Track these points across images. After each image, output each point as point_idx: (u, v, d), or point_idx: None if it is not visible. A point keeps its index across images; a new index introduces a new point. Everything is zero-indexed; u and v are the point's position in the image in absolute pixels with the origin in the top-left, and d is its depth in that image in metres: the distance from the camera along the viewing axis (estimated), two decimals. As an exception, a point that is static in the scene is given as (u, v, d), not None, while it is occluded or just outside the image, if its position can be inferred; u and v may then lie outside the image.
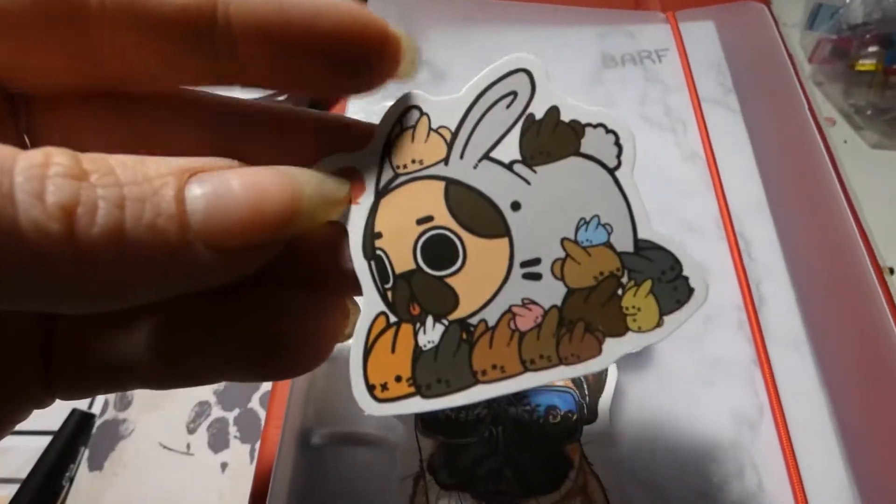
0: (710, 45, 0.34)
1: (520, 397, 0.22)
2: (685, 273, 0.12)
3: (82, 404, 0.35)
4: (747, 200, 0.28)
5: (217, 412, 0.31)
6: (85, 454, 0.31)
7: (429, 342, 0.12)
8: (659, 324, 0.12)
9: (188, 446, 0.31)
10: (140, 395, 0.33)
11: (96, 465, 0.31)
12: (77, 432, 0.33)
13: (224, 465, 0.30)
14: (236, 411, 0.31)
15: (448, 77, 0.33)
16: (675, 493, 0.21)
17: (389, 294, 0.12)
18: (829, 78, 0.43)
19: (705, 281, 0.12)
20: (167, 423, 0.31)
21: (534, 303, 0.12)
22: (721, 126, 0.30)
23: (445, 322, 0.12)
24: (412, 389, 0.12)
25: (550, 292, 0.12)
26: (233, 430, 0.31)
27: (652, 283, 0.12)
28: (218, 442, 0.31)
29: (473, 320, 0.12)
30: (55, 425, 0.33)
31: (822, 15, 0.45)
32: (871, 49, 0.41)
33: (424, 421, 0.22)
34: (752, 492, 0.21)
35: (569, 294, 0.12)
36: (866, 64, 0.41)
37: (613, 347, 0.12)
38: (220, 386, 0.32)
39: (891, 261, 0.35)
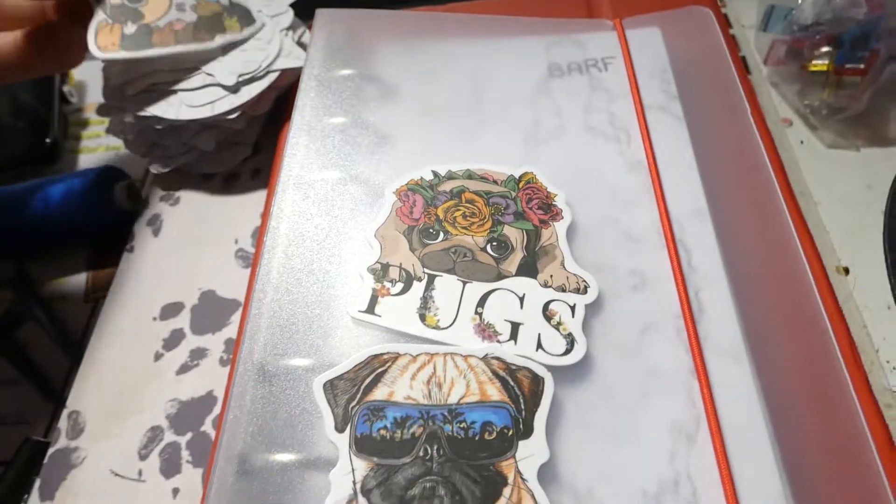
0: (656, 52, 0.34)
1: (455, 414, 0.22)
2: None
3: (34, 429, 0.35)
4: (688, 208, 0.28)
5: (170, 437, 0.31)
6: (37, 483, 0.31)
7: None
8: None
9: (140, 473, 0.30)
10: (92, 423, 0.32)
11: (48, 494, 0.30)
12: (30, 462, 0.32)
13: (176, 491, 0.30)
14: (189, 435, 0.31)
15: (398, 93, 0.33)
16: (610, 507, 0.21)
17: None
18: (785, 79, 0.43)
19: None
20: (119, 450, 0.31)
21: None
22: (664, 133, 0.30)
23: None
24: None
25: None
26: (185, 454, 0.31)
27: None
28: (170, 467, 0.30)
29: None
30: (7, 455, 0.33)
31: (775, 16, 0.45)
32: (823, 49, 0.41)
33: (359, 441, 0.22)
34: (687, 502, 0.21)
35: None
36: (819, 64, 0.41)
37: None
38: (173, 410, 0.32)
39: (847, 260, 0.35)
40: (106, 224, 0.42)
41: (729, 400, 0.23)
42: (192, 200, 0.42)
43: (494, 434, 0.22)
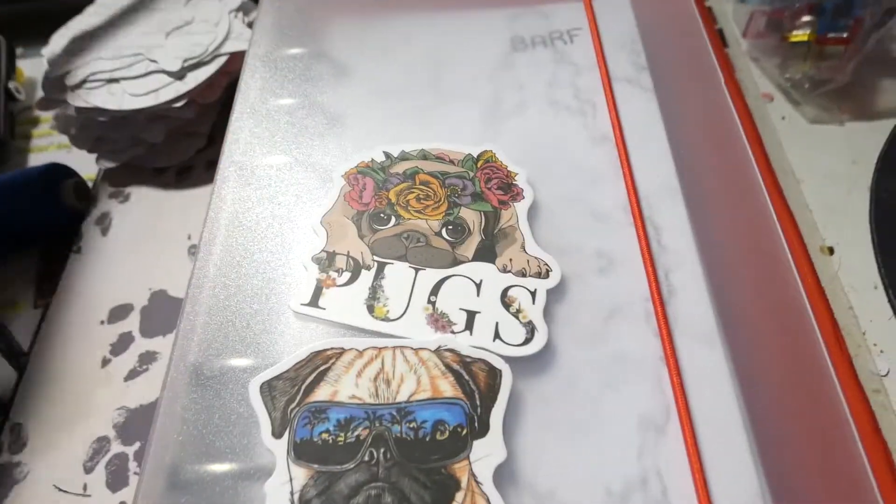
0: (625, 22, 0.32)
1: (405, 413, 0.20)
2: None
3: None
4: (658, 185, 0.26)
5: (116, 447, 0.29)
6: (-24, 500, 0.29)
7: None
8: None
9: (85, 487, 0.28)
10: (35, 435, 0.30)
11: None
12: (-30, 477, 0.30)
13: (122, 504, 0.28)
14: (136, 445, 0.29)
15: (350, 72, 0.31)
16: (574, 509, 0.19)
17: None
18: (765, 52, 0.41)
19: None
20: (63, 464, 0.29)
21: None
22: (633, 106, 0.29)
23: None
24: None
25: None
26: (133, 465, 0.29)
27: None
28: (117, 480, 0.28)
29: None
30: (-57, 472, 0.30)
31: (753, -14, 0.43)
32: (804, 19, 0.39)
33: (298, 447, 0.20)
34: (655, 500, 0.19)
35: None
36: (800, 35, 0.39)
37: None
38: (121, 419, 0.30)
39: (831, 239, 0.34)
40: (53, 224, 0.40)
41: (701, 388, 0.21)
42: (143, 196, 0.39)
43: (447, 433, 0.20)
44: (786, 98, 0.41)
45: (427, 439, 0.20)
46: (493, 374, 0.21)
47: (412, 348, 0.22)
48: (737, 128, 0.27)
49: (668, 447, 0.20)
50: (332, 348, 0.22)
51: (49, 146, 0.48)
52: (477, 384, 0.21)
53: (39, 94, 0.51)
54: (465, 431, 0.20)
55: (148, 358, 0.32)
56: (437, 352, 0.21)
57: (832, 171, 0.37)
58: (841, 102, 0.39)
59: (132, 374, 0.32)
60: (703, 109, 0.29)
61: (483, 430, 0.20)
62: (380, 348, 0.22)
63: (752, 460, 0.20)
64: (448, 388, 0.21)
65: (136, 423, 0.30)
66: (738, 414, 0.20)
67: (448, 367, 0.21)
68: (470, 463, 0.20)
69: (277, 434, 0.20)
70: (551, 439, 0.21)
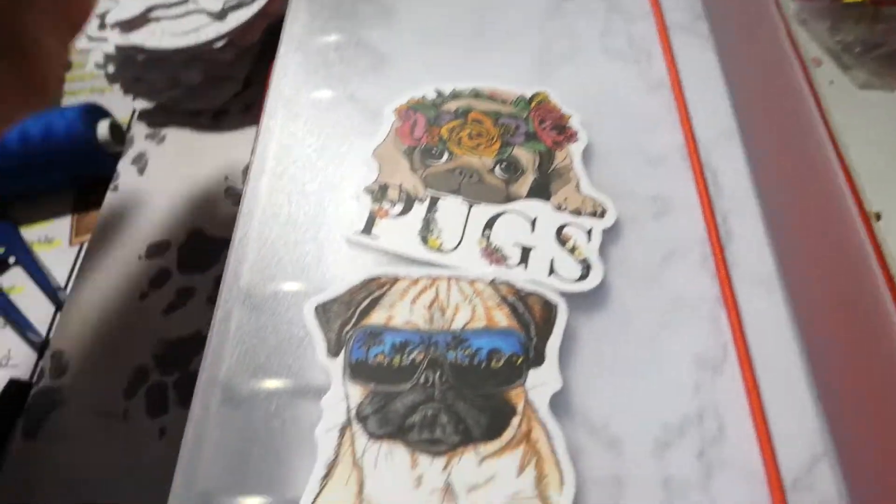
0: (680, -29, 0.31)
1: (459, 341, 0.20)
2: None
3: (20, 372, 0.33)
4: (716, 130, 0.26)
5: (155, 376, 0.30)
6: (20, 424, 0.29)
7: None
8: None
9: (125, 412, 0.29)
10: (76, 362, 0.31)
11: (31, 434, 0.29)
12: (12, 402, 0.31)
13: (162, 431, 0.28)
14: (175, 375, 0.29)
15: (396, 13, 0.31)
16: (628, 440, 0.19)
17: None
18: (814, 15, 0.40)
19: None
20: (103, 390, 0.29)
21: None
22: (689, 54, 0.28)
23: None
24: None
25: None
26: (172, 394, 0.29)
27: None
28: (156, 407, 0.29)
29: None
30: (-15, 395, 0.31)
31: (805, -54, 0.42)
32: (859, -19, 0.38)
33: (354, 367, 0.20)
34: (712, 436, 0.19)
35: None
36: (854, -4, 0.38)
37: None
38: (160, 350, 0.30)
39: (878, 205, 0.33)
40: (89, 164, 0.40)
41: (759, 330, 0.21)
42: (178, 138, 0.39)
43: (502, 361, 0.20)
44: (835, 62, 0.40)
45: (482, 366, 0.20)
46: (549, 307, 0.21)
47: (467, 279, 0.21)
48: (796, 76, 0.27)
49: (725, 386, 0.20)
50: (386, 275, 0.22)
51: (82, 90, 0.48)
52: (532, 316, 0.21)
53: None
54: (520, 360, 0.20)
55: (186, 293, 0.32)
56: (493, 284, 0.21)
57: (880, 138, 0.36)
58: (894, 67, 0.38)
59: (170, 308, 0.32)
60: (761, 59, 0.29)
61: (539, 359, 0.20)
62: (434, 278, 0.22)
63: (811, 398, 0.19)
64: (503, 318, 0.21)
65: (175, 355, 0.30)
66: (797, 354, 0.20)
67: (503, 298, 0.21)
68: (525, 390, 0.20)
69: (333, 353, 0.20)
70: (606, 374, 0.20)
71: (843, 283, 0.22)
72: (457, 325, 0.20)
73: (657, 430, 0.19)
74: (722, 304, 0.22)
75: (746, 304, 0.21)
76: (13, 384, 0.31)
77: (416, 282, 0.21)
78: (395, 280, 0.21)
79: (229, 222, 0.33)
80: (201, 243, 0.34)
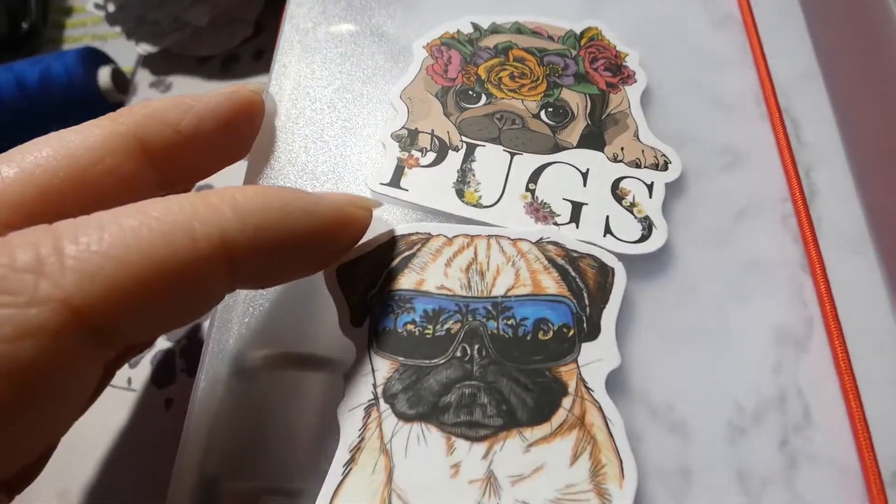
0: None
1: (502, 308, 0.17)
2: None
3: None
4: (795, 72, 0.22)
5: (161, 343, 0.27)
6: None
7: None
8: None
9: (129, 381, 0.27)
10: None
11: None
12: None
13: (169, 402, 0.26)
14: (183, 343, 0.27)
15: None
16: (696, 425, 0.17)
17: None
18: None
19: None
20: None
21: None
22: (763, -16, 0.24)
23: None
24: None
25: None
26: (179, 362, 0.27)
27: None
28: (162, 377, 0.27)
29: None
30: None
31: None
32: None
33: (380, 337, 0.17)
34: (795, 422, 0.17)
35: None
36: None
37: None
38: (166, 312, 0.28)
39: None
40: (90, 115, 0.37)
41: (850, 300, 0.18)
42: (185, 87, 0.36)
43: (551, 333, 0.17)
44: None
45: (528, 338, 0.17)
46: (605, 271, 0.18)
47: (509, 238, 0.19)
48: (889, 8, 0.23)
49: (811, 364, 0.17)
50: (417, 233, 0.19)
51: (83, 37, 0.45)
52: (585, 282, 0.18)
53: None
54: (571, 332, 0.17)
55: (194, 254, 0.30)
56: (539, 244, 0.19)
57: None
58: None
59: (177, 270, 0.29)
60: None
61: (593, 332, 0.17)
62: (472, 236, 0.19)
63: (915, 383, 0.17)
64: (551, 284, 0.18)
65: None
66: (894, 329, 0.17)
67: (551, 261, 0.18)
68: (578, 367, 0.17)
69: (357, 322, 0.17)
70: (670, 349, 0.18)
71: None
72: (498, 290, 0.18)
73: (730, 414, 0.17)
74: (806, 269, 0.19)
75: (835, 271, 0.18)
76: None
77: (451, 241, 0.19)
78: (427, 238, 0.19)
79: (241, 175, 0.31)
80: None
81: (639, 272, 0.19)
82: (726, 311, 0.18)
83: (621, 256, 0.18)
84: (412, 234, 0.19)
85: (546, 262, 0.18)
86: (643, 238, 0.19)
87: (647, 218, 0.19)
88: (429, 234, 0.19)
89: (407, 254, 0.18)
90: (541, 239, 0.19)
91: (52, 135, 0.16)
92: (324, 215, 0.16)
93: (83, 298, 0.11)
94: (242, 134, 0.19)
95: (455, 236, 0.19)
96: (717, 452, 0.16)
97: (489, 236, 0.19)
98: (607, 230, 0.19)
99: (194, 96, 0.17)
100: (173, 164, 0.17)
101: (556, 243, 0.19)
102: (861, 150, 0.20)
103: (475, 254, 0.18)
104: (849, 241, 0.19)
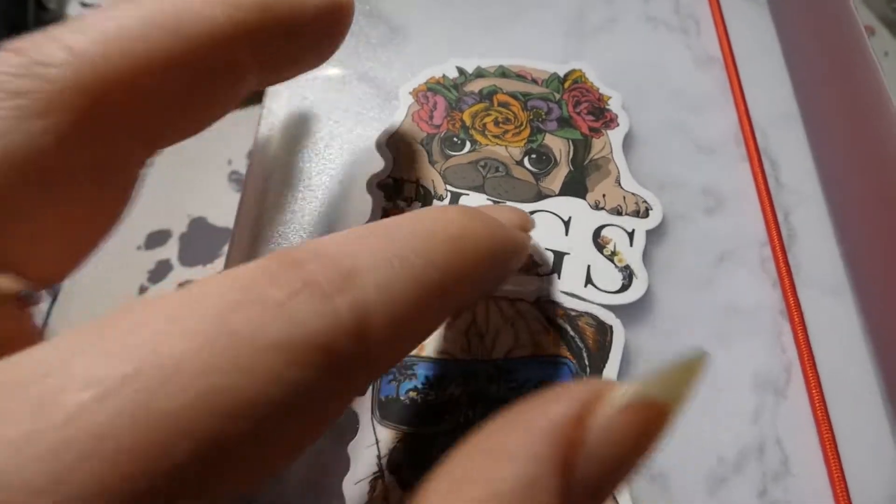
0: (732, -74, 0.27)
1: (503, 372, 0.18)
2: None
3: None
4: (775, 113, 0.23)
5: (180, 271, 0.27)
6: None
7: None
8: None
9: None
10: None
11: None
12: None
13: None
14: (199, 267, 0.27)
15: (404, 32, 0.28)
16: (677, 475, 0.17)
17: None
18: (872, -25, 0.36)
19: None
20: (115, 288, 0.27)
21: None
22: (743, 23, 0.25)
23: None
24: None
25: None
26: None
27: None
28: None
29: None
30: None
31: None
32: (926, -66, 0.34)
33: (383, 406, 0.18)
34: (774, 472, 0.17)
35: None
36: (918, -47, 0.34)
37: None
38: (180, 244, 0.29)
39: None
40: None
41: (828, 346, 0.18)
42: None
43: (550, 394, 0.17)
44: (890, 32, 0.36)
45: None
46: (603, 329, 0.18)
47: (508, 299, 0.19)
48: (866, 48, 0.23)
49: (790, 412, 0.18)
50: (405, 286, 0.19)
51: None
52: (585, 341, 0.18)
53: (71, 5, 0.47)
54: None
55: (189, 289, 0.30)
56: (537, 303, 0.19)
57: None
58: (964, 34, 0.34)
59: (173, 306, 0.30)
60: (824, 27, 0.25)
61: None
62: None
63: (889, 428, 0.17)
64: (550, 344, 0.18)
65: (199, 245, 0.28)
66: (872, 375, 0.18)
67: (550, 321, 0.19)
68: None
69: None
70: (651, 397, 0.18)
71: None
72: (498, 352, 0.18)
73: (711, 464, 0.17)
74: (785, 315, 0.19)
75: (813, 316, 0.19)
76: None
77: None
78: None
79: (234, 210, 0.31)
80: (204, 233, 0.32)
81: (620, 320, 0.19)
82: (708, 359, 0.19)
83: (602, 307, 0.19)
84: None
85: (545, 323, 0.19)
86: (623, 288, 0.19)
87: (627, 267, 0.19)
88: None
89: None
90: (539, 298, 0.19)
91: None
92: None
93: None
94: (334, 36, 0.17)
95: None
96: (697, 502, 0.17)
97: (488, 298, 0.19)
98: (588, 280, 0.19)
99: None
100: (271, 60, 0.14)
101: (554, 302, 0.19)
102: (839, 192, 0.21)
103: (474, 316, 0.19)
104: (828, 284, 0.19)
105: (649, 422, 0.10)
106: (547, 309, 0.19)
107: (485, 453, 0.10)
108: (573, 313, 0.18)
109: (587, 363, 0.18)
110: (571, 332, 0.18)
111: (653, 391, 0.10)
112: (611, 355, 0.18)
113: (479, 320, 0.18)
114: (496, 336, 0.18)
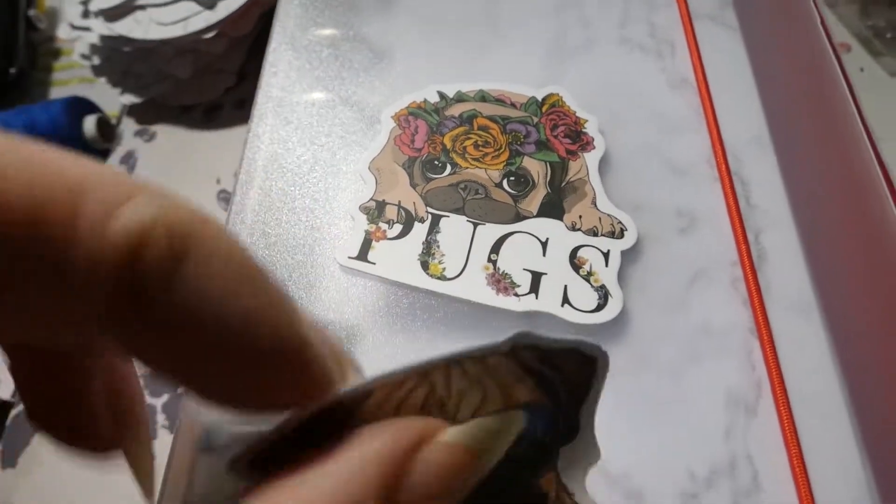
0: (706, -48, 0.28)
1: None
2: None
3: (3, 390, 0.32)
4: (746, 135, 0.23)
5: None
6: None
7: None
8: None
9: (114, 436, 0.27)
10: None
11: (9, 461, 0.27)
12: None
13: (153, 457, 0.27)
14: (165, 397, 0.28)
15: (395, 2, 0.28)
16: (651, 492, 0.17)
17: None
18: (846, -5, 0.37)
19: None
20: None
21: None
22: (716, 47, 0.25)
23: None
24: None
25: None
26: (160, 418, 0.28)
27: None
28: (146, 430, 0.27)
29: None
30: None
31: (839, -81, 0.39)
32: (897, -43, 0.35)
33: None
34: (745, 488, 0.17)
35: None
36: (890, -25, 0.35)
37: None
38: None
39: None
40: (77, 163, 0.38)
41: (797, 363, 0.19)
42: (169, 135, 0.37)
43: (524, 446, 0.18)
44: (865, 48, 0.37)
45: (507, 452, 0.18)
46: (587, 364, 0.18)
47: (472, 357, 0.19)
48: (835, 72, 0.24)
49: (760, 429, 0.18)
50: (349, 393, 0.19)
51: (71, 79, 0.46)
52: (564, 380, 0.18)
53: (61, 23, 0.48)
54: (548, 439, 0.18)
55: (177, 307, 0.31)
56: (513, 353, 0.19)
57: (919, 131, 0.33)
58: (934, 53, 0.35)
59: (161, 324, 0.30)
60: (795, 50, 0.26)
61: (571, 432, 0.18)
62: (425, 372, 0.19)
63: (856, 445, 0.17)
64: (525, 393, 0.18)
65: None
66: (839, 392, 0.18)
67: (527, 369, 0.19)
68: (557, 473, 0.17)
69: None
70: (625, 416, 0.19)
71: (891, 308, 0.20)
72: (463, 413, 0.18)
73: (684, 481, 0.18)
74: (755, 333, 0.19)
75: (782, 335, 0.19)
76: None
77: (400, 384, 0.19)
78: (367, 394, 0.19)
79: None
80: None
81: (595, 339, 0.19)
82: (681, 377, 0.19)
83: (578, 326, 0.19)
84: (344, 398, 0.19)
85: (521, 373, 0.18)
86: (599, 307, 0.20)
87: (603, 287, 0.20)
88: (367, 389, 0.19)
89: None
90: (514, 346, 0.19)
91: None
92: None
93: None
94: None
95: (405, 378, 0.18)
96: (670, 518, 0.17)
97: (447, 363, 0.18)
98: (565, 300, 0.20)
99: None
100: None
101: (532, 347, 0.19)
102: (808, 212, 0.21)
103: (432, 387, 0.18)
104: (796, 304, 0.20)
105: (463, 465, 0.11)
106: (524, 356, 0.18)
107: (321, 468, 0.10)
108: (553, 351, 0.18)
109: (564, 402, 0.18)
110: (549, 373, 0.18)
111: (468, 441, 0.11)
112: (591, 391, 0.18)
113: (438, 391, 0.18)
114: (460, 399, 0.17)
